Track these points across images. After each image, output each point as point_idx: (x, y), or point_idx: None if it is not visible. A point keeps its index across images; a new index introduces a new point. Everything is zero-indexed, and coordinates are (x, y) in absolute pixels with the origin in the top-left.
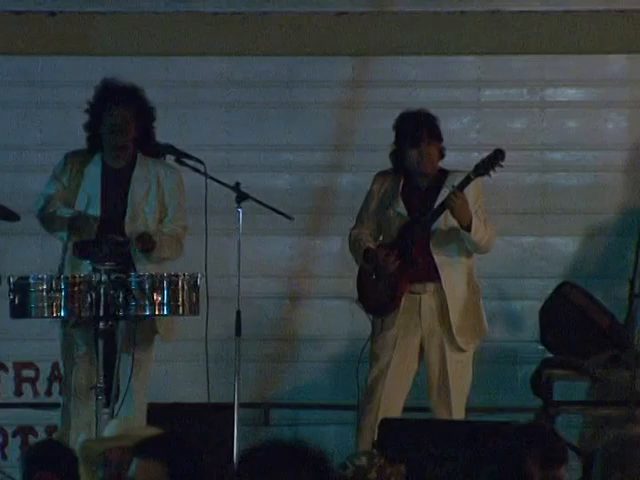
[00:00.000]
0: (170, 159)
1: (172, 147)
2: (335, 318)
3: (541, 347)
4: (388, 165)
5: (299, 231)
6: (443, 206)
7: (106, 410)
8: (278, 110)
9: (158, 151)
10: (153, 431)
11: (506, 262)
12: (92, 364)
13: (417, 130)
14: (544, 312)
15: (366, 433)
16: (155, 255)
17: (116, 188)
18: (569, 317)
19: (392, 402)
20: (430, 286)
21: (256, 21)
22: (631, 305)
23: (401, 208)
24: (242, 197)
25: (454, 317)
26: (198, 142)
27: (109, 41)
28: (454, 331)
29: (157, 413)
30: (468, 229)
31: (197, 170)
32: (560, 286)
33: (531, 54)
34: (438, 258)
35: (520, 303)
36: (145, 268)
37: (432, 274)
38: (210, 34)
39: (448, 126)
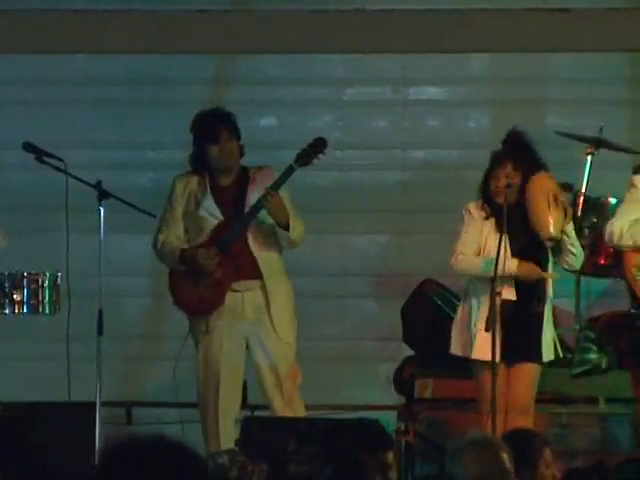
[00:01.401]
0: (30, 157)
1: (32, 145)
2: None
3: (403, 344)
4: (249, 162)
5: None
6: (259, 205)
7: None
8: (141, 108)
9: None
10: None
11: (368, 260)
12: None
13: (216, 127)
14: (406, 310)
15: (211, 434)
16: None
17: None
18: (430, 315)
19: (229, 401)
20: (252, 283)
21: (119, 18)
22: (493, 302)
23: (212, 207)
24: (104, 195)
25: (276, 312)
26: (60, 140)
27: None
28: (278, 326)
29: (17, 412)
30: (286, 227)
31: (57, 168)
32: (422, 284)
33: (394, 53)
34: (258, 255)
35: (381, 301)
36: None
37: (253, 271)
38: (74, 31)
39: (311, 124)
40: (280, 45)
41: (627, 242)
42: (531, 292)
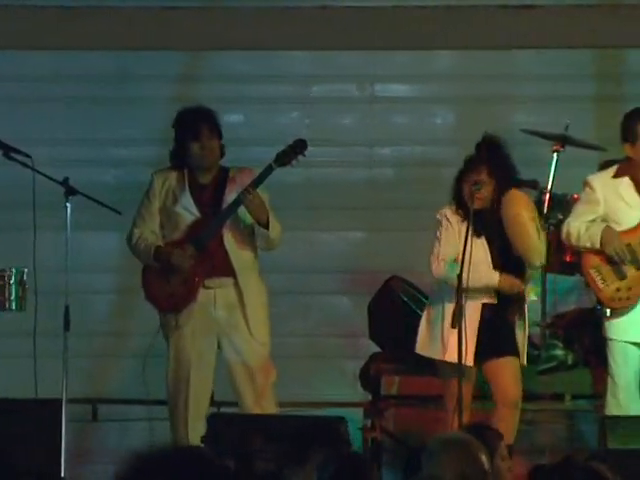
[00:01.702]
0: None
1: None
2: None
3: (370, 341)
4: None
5: (128, 226)
6: (237, 203)
7: None
8: (107, 105)
9: None
10: None
11: (335, 257)
12: None
13: (198, 124)
14: (372, 307)
15: (180, 432)
16: None
17: None
18: (397, 312)
19: (200, 397)
20: (224, 280)
21: (86, 15)
22: (459, 300)
23: (190, 204)
24: (71, 192)
25: (252, 315)
26: (27, 136)
27: None
28: (254, 329)
29: None
30: (265, 226)
31: (25, 164)
32: (388, 281)
33: (360, 49)
34: (232, 252)
35: (349, 298)
36: None
37: (226, 269)
38: (40, 28)
39: (278, 121)
40: (246, 42)
41: (585, 244)
42: (511, 298)
